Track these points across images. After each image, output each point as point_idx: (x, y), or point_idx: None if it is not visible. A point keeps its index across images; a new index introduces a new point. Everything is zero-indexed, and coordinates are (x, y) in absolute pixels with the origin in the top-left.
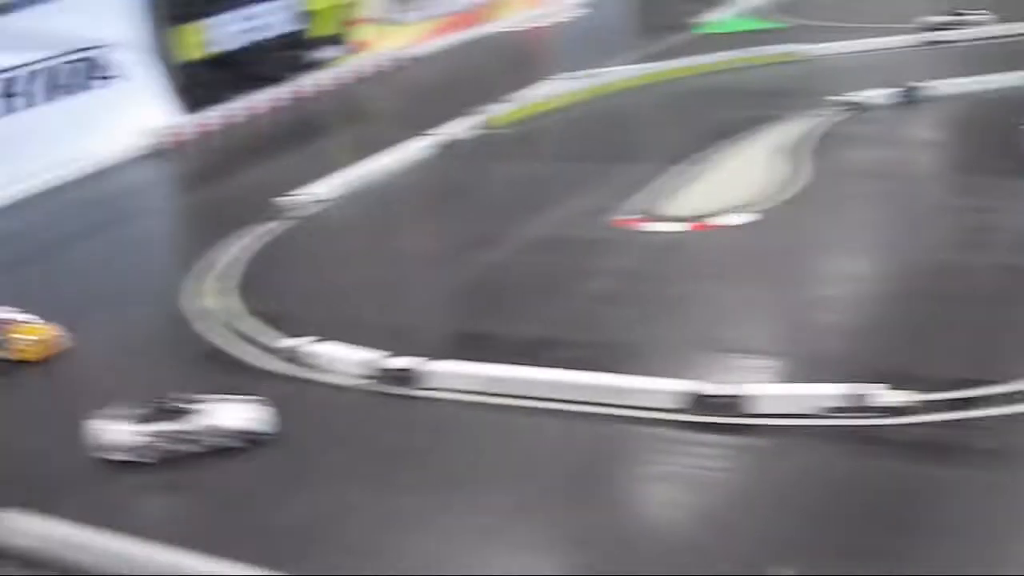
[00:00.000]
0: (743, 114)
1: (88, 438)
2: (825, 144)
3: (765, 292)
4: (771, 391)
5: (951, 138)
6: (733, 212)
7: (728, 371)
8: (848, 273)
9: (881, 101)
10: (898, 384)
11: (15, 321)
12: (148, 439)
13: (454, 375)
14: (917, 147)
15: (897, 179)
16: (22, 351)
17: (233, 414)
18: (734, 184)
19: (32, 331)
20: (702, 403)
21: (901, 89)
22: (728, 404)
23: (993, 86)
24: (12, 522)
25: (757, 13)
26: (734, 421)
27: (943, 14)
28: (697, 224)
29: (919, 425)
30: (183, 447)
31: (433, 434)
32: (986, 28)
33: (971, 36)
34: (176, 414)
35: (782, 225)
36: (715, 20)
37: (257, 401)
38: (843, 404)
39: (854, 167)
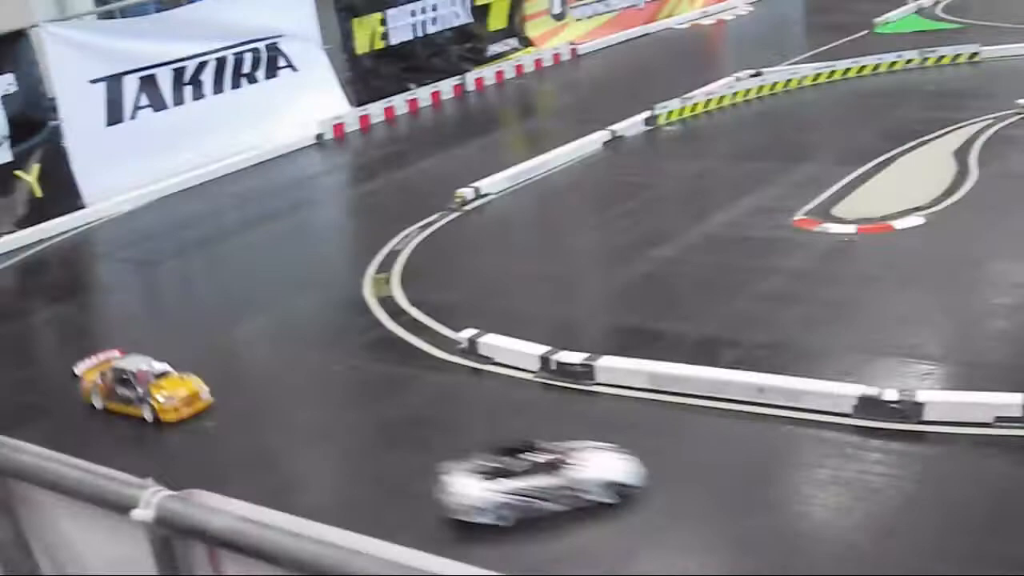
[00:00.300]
0: (917, 115)
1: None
2: (997, 147)
3: (933, 297)
4: (941, 398)
5: None
6: (903, 215)
7: (898, 376)
8: (1017, 280)
9: None
10: None
11: (162, 373)
12: (507, 498)
13: (625, 371)
14: None
15: None
16: (166, 411)
17: (602, 465)
18: (905, 186)
19: (178, 385)
20: (872, 407)
21: None
22: (898, 409)
23: None
24: (206, 499)
25: (927, 13)
26: (903, 427)
27: None
28: (867, 226)
29: None
30: (548, 505)
31: (604, 429)
32: None
33: None
34: (535, 467)
35: (951, 229)
36: (890, 19)
37: (615, 448)
38: (1015, 413)
39: (1018, 171)
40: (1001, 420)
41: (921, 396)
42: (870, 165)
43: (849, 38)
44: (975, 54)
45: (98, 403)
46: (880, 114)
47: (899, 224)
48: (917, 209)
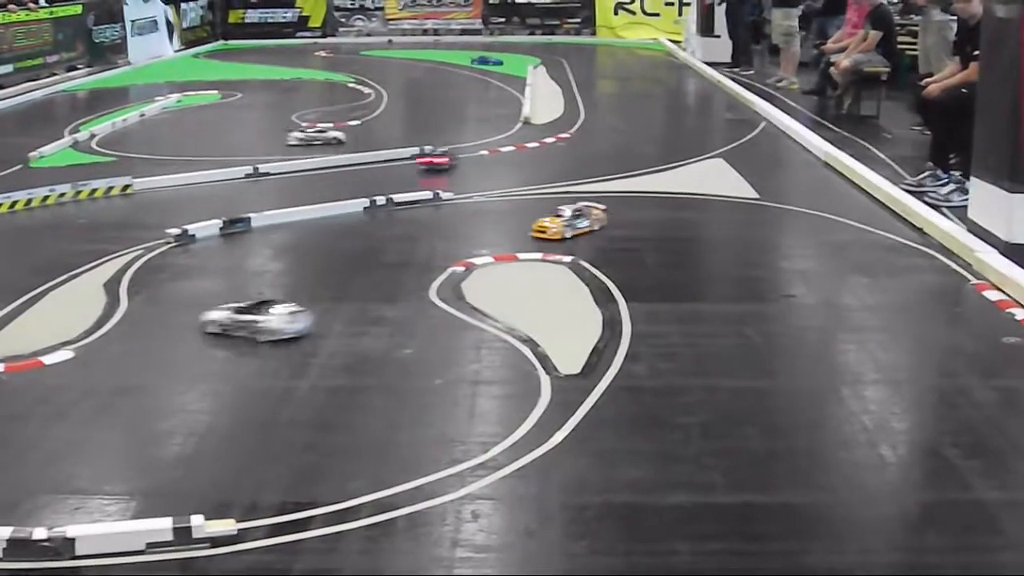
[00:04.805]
0: (70, 248)
1: None
2: (146, 276)
3: (88, 429)
4: (93, 531)
5: (290, 267)
6: (52, 350)
7: (49, 513)
8: (187, 406)
9: (218, 232)
10: (221, 514)
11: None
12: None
13: None
14: (254, 278)
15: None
16: None
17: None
18: (55, 321)
19: None
20: (22, 548)
21: (236, 218)
22: (50, 547)
23: (324, 214)
24: None
25: (82, 146)
26: (57, 565)
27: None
28: (15, 364)
29: (243, 553)
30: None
31: None
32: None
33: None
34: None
35: (102, 360)
36: (45, 153)
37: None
38: (166, 538)
39: (193, 297)
40: (153, 546)
41: (72, 531)
42: (20, 302)
43: (2, 173)
44: (128, 186)
45: None
46: (33, 249)
47: (49, 359)
48: (67, 343)
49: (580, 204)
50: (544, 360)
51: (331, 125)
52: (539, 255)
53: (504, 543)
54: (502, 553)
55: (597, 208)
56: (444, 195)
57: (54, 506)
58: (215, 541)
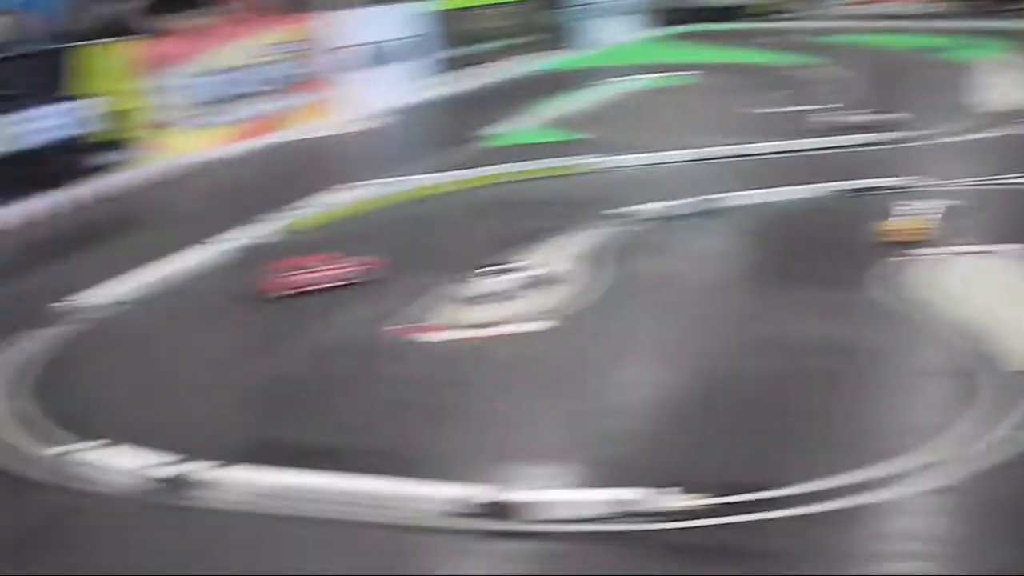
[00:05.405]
0: (539, 224)
1: None
2: (621, 253)
3: (561, 399)
4: (556, 497)
5: (741, 248)
6: (526, 320)
7: (514, 478)
8: (638, 381)
9: (677, 212)
10: (677, 488)
11: None
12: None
13: (235, 483)
14: (708, 257)
15: (688, 289)
16: None
17: None
18: (535, 291)
19: None
20: (488, 510)
21: (696, 200)
22: (513, 510)
23: (781, 198)
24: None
25: (545, 124)
26: (518, 528)
27: None
28: (488, 332)
29: (697, 529)
30: None
31: (205, 546)
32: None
33: (761, 150)
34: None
35: (575, 333)
36: (506, 131)
37: None
38: (623, 509)
39: (649, 276)
40: (612, 516)
41: (536, 496)
42: (498, 269)
43: (468, 150)
44: (594, 164)
45: None
46: (502, 222)
47: (521, 328)
48: (547, 312)
49: (913, 201)
50: (996, 356)
51: (869, 110)
52: (992, 247)
53: (960, 538)
54: (956, 547)
55: (932, 205)
56: (909, 181)
57: (513, 471)
58: (672, 515)
